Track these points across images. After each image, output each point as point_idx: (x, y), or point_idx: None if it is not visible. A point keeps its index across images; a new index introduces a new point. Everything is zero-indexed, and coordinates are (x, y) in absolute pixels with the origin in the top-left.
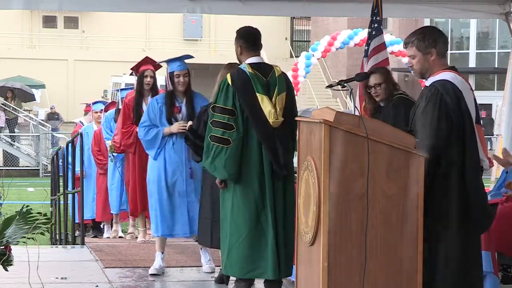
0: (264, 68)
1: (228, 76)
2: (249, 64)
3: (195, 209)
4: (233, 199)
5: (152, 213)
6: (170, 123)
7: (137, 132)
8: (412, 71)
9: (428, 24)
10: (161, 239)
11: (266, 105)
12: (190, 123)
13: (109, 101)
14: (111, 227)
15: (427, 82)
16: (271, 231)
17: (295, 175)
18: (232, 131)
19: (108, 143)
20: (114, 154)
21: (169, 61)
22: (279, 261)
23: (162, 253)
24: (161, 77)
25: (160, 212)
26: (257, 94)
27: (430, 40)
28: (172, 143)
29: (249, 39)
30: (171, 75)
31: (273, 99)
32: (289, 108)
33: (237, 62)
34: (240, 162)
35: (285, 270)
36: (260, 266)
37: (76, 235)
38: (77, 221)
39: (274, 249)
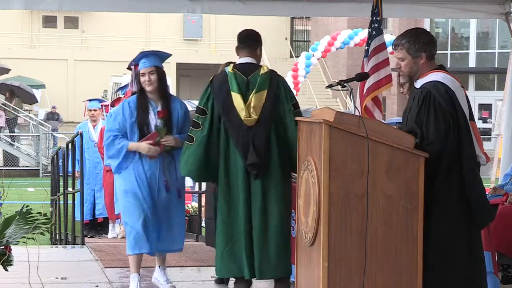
0: (247, 68)
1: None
2: (234, 63)
3: (171, 225)
4: (220, 200)
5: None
6: (142, 132)
7: None
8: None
9: (428, 24)
10: (135, 258)
11: (238, 103)
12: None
13: (109, 100)
14: (119, 226)
15: (417, 84)
16: (243, 230)
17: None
18: (197, 129)
19: None
20: None
21: (135, 59)
22: (254, 260)
23: (139, 274)
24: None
25: (132, 229)
26: (232, 93)
27: (421, 43)
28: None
29: (241, 40)
30: (137, 75)
31: (250, 97)
32: (270, 107)
33: (235, 61)
34: (203, 161)
35: (266, 270)
36: (239, 265)
37: (76, 235)
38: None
39: (246, 248)
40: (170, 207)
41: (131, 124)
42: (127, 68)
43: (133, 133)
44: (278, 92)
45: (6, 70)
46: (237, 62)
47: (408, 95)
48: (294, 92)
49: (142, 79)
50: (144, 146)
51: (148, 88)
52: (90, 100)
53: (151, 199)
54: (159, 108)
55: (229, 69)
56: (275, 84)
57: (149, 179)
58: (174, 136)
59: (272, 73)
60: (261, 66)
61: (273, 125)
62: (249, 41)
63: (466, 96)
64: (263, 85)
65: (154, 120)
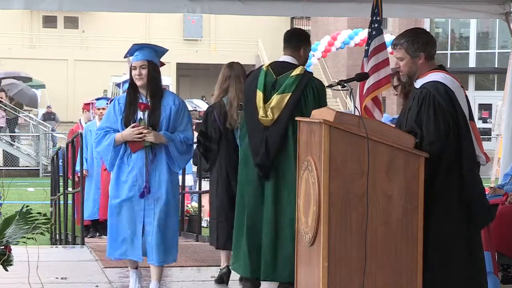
0: (282, 67)
1: None
2: (272, 61)
3: (155, 234)
4: (238, 193)
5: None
6: (128, 127)
7: None
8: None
9: (428, 24)
10: None
11: (258, 101)
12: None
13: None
14: None
15: (417, 84)
16: (244, 229)
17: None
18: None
19: None
20: None
21: (129, 50)
22: (256, 260)
23: (137, 268)
24: (165, 78)
25: (110, 232)
26: (257, 90)
27: (419, 43)
28: (126, 150)
29: (284, 39)
30: (130, 68)
31: (272, 97)
32: (291, 109)
33: (238, 61)
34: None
35: (270, 272)
36: (242, 262)
37: (76, 235)
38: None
39: (245, 246)
40: (155, 213)
41: (121, 121)
42: (124, 57)
43: (123, 130)
44: (305, 95)
45: (29, 79)
46: (275, 60)
47: (401, 97)
48: (311, 96)
49: (133, 72)
50: (126, 132)
51: (138, 83)
52: (98, 99)
53: (131, 203)
54: (147, 102)
55: (264, 66)
56: (302, 87)
57: (134, 180)
58: (156, 132)
59: (303, 76)
60: (298, 67)
61: (291, 127)
62: (292, 40)
63: (466, 96)
64: (288, 87)
65: (143, 116)
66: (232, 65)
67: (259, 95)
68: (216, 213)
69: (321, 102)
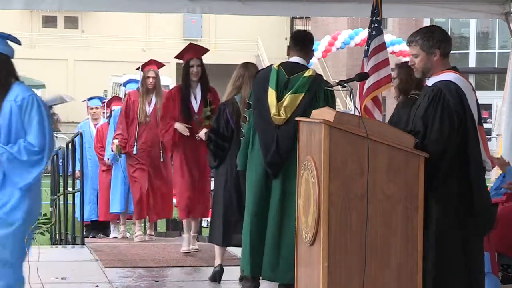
0: (294, 67)
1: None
2: (282, 61)
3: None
4: (247, 191)
5: None
6: None
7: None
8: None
9: (428, 24)
10: None
11: (271, 100)
12: None
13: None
14: (118, 227)
15: (429, 82)
16: (247, 228)
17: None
18: (245, 123)
19: (115, 142)
20: (120, 153)
21: None
22: (258, 258)
23: None
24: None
25: None
26: (269, 88)
27: (435, 40)
28: None
29: (293, 40)
30: None
31: (285, 97)
32: (303, 109)
33: (252, 62)
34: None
35: (270, 272)
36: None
37: (76, 235)
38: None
39: (248, 245)
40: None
41: None
42: None
43: None
44: (317, 96)
45: (64, 100)
46: (286, 61)
47: (395, 90)
48: (323, 98)
49: None
50: None
51: None
52: (90, 99)
53: None
54: None
55: (275, 65)
56: (314, 88)
57: None
58: None
59: (315, 78)
60: (308, 68)
61: None
62: (304, 42)
63: (476, 100)
64: (301, 88)
65: None
66: (247, 65)
67: (272, 93)
68: (223, 211)
69: (330, 104)
